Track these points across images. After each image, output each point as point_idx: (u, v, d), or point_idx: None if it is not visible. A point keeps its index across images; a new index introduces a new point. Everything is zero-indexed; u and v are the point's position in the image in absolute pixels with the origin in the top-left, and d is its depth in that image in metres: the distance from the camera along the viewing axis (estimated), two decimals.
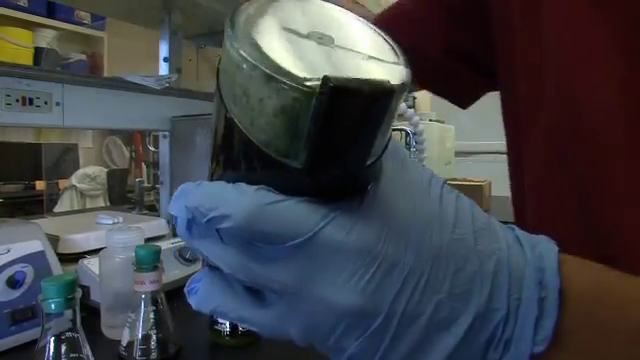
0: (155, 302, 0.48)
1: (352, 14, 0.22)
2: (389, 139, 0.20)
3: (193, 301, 0.21)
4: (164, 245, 0.71)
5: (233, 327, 0.53)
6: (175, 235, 0.80)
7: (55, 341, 0.38)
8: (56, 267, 0.57)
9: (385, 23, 0.49)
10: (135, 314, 0.47)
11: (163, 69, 1.10)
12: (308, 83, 0.16)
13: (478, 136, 2.72)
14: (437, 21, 0.46)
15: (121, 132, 3.23)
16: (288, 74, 0.17)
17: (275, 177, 0.18)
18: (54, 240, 0.63)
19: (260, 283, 0.19)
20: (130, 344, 0.47)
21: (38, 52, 2.88)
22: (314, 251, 0.18)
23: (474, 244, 0.19)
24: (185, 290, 0.22)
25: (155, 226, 0.75)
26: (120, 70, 0.83)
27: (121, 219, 0.74)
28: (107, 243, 0.56)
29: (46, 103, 0.71)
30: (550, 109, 0.33)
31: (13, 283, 0.52)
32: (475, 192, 1.61)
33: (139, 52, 2.27)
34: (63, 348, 0.38)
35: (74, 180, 2.62)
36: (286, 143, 0.17)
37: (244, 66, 0.17)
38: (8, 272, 0.52)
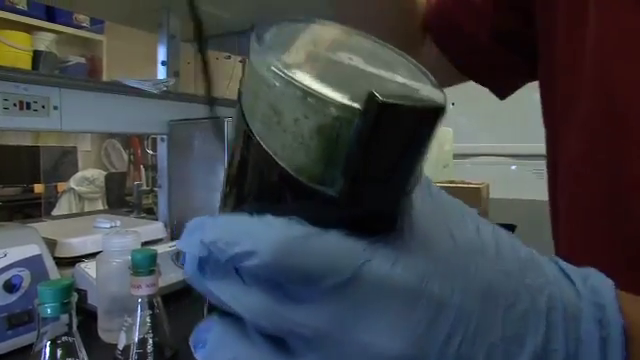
0: (151, 306, 0.48)
1: (377, 40, 0.20)
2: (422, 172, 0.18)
3: (201, 356, 0.18)
4: (161, 249, 0.71)
5: None
6: (172, 239, 0.80)
7: (51, 345, 0.38)
8: (53, 271, 0.57)
9: (436, 6, 0.49)
10: (132, 318, 0.47)
11: (161, 72, 1.11)
12: (349, 101, 0.15)
13: (476, 138, 2.73)
14: (484, 2, 0.46)
15: (119, 135, 3.23)
16: (327, 90, 0.15)
17: (305, 208, 0.17)
18: (51, 244, 0.63)
19: (287, 329, 0.16)
20: (126, 348, 0.47)
21: (37, 55, 2.88)
22: (354, 290, 0.16)
23: (521, 278, 0.18)
24: (190, 343, 0.19)
25: (153, 230, 0.76)
26: (119, 73, 0.84)
27: (119, 223, 0.74)
28: (104, 247, 0.56)
29: (43, 107, 0.71)
30: (586, 105, 0.33)
31: (10, 287, 0.52)
32: (473, 195, 1.62)
33: (138, 55, 2.27)
34: (59, 352, 0.39)
35: (72, 183, 2.61)
36: (321, 169, 0.16)
37: (276, 83, 0.16)
38: (5, 276, 0.52)
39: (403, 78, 0.18)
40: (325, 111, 0.15)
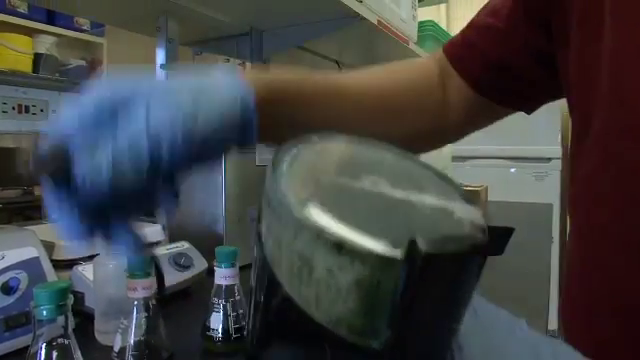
0: (147, 308, 0.48)
1: (395, 148, 0.20)
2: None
3: None
4: (160, 251, 0.72)
5: (225, 334, 0.53)
6: (171, 241, 0.81)
7: (47, 347, 0.39)
8: (50, 273, 0.57)
9: (468, 39, 0.50)
10: (127, 320, 0.48)
11: (160, 76, 1.12)
12: (390, 251, 0.14)
13: (476, 141, 2.74)
14: (512, 25, 0.46)
15: None
16: (362, 239, 0.14)
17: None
18: (49, 247, 0.63)
19: None
20: (122, 350, 0.48)
21: (37, 58, 2.88)
22: None
23: None
24: None
25: (151, 232, 0.76)
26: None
27: None
28: (99, 250, 0.56)
29: (42, 111, 0.72)
30: (601, 120, 0.33)
31: (7, 289, 0.52)
32: (472, 198, 1.62)
33: (138, 58, 2.28)
34: (54, 354, 0.39)
35: None
36: (362, 320, 0.14)
37: (304, 232, 0.14)
38: (2, 278, 0.53)
39: (434, 198, 0.17)
40: (364, 263, 0.14)
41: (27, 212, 2.62)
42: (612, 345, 0.32)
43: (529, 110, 0.51)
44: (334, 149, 0.19)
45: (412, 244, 0.13)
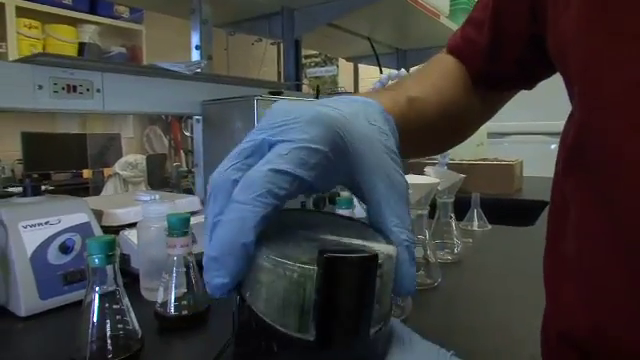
0: (186, 264, 0.53)
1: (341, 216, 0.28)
2: (389, 313, 0.24)
3: None
4: (196, 220, 0.76)
5: None
6: None
7: (99, 294, 0.44)
8: None
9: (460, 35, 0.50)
10: (168, 275, 0.53)
11: (195, 57, 1.16)
12: (306, 263, 0.20)
13: (514, 116, 2.67)
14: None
15: (158, 120, 3.36)
16: (291, 258, 0.21)
17: (292, 356, 0.22)
18: (98, 214, 0.70)
19: None
20: (165, 302, 0.53)
21: (82, 47, 3.02)
22: None
23: None
24: None
25: (189, 202, 0.81)
26: (158, 61, 0.89)
27: (158, 196, 0.80)
28: (143, 214, 0.62)
29: (88, 90, 0.77)
30: (576, 87, 0.33)
31: (65, 249, 0.59)
32: (506, 171, 1.60)
33: (176, 43, 2.35)
34: (106, 300, 0.44)
35: (117, 168, 2.76)
36: (298, 319, 0.21)
37: (262, 263, 0.22)
38: (60, 239, 0.59)
39: (360, 240, 0.24)
40: (291, 273, 0.21)
41: (76, 194, 2.79)
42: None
43: (529, 87, 0.51)
44: (295, 214, 0.28)
45: (320, 253, 0.20)
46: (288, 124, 0.25)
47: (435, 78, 0.49)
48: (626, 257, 0.29)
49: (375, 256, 0.20)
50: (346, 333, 0.21)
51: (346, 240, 0.24)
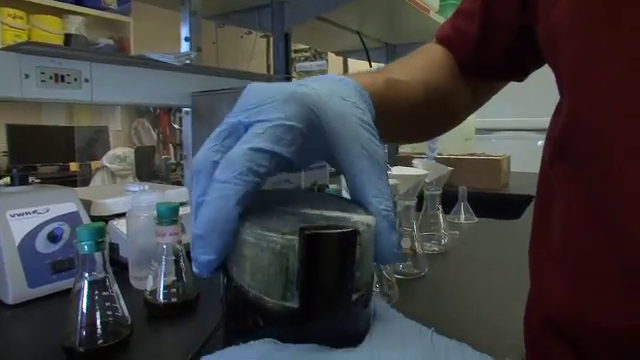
0: (176, 253, 0.53)
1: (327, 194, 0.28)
2: (370, 280, 0.25)
3: None
4: (185, 210, 0.77)
5: None
6: None
7: (88, 280, 0.44)
8: None
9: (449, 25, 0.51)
10: (158, 263, 0.53)
11: (184, 48, 1.16)
12: (289, 235, 0.21)
13: (502, 113, 2.70)
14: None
15: (147, 112, 3.33)
16: (273, 230, 0.22)
17: (279, 328, 0.22)
18: (87, 204, 0.69)
19: None
20: (154, 290, 0.53)
21: (68, 38, 2.98)
22: None
23: None
24: None
25: (177, 193, 0.81)
26: (146, 53, 0.89)
27: (147, 187, 0.80)
28: (132, 203, 0.62)
29: (76, 80, 0.77)
30: (565, 80, 0.34)
31: (53, 237, 0.59)
32: (493, 166, 1.62)
33: (164, 35, 2.34)
34: (95, 287, 0.44)
35: (105, 161, 2.73)
36: (282, 288, 0.22)
37: (246, 238, 0.23)
38: (48, 228, 0.59)
39: (340, 212, 0.25)
40: (275, 245, 0.22)
41: (64, 186, 2.76)
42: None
43: (520, 79, 0.52)
44: (276, 192, 0.29)
45: (301, 230, 0.21)
46: (263, 104, 0.26)
47: (421, 63, 0.49)
48: (609, 243, 0.30)
49: (354, 231, 0.21)
50: (328, 302, 0.22)
51: (326, 213, 0.24)
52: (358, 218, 0.24)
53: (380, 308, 0.25)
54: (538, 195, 0.40)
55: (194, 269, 0.25)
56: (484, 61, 0.49)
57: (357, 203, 0.27)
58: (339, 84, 0.30)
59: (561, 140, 0.35)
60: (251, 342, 0.22)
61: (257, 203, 0.25)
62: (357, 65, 2.21)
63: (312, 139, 0.26)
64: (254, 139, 0.24)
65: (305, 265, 0.21)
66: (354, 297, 0.22)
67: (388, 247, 0.26)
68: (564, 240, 0.35)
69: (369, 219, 0.24)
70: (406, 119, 0.45)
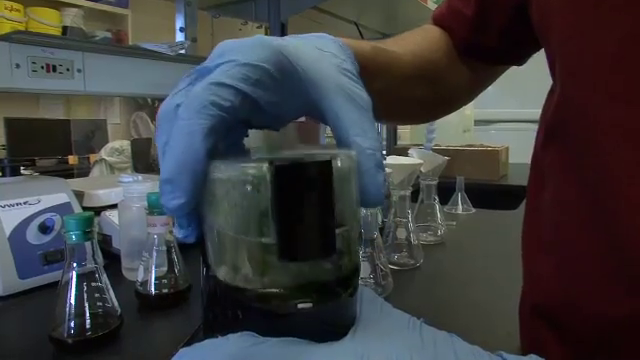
0: (167, 244, 0.53)
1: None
2: (355, 217, 0.23)
3: None
4: None
5: None
6: None
7: (77, 271, 0.43)
8: None
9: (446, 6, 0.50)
10: (149, 254, 0.52)
11: (180, 39, 1.15)
12: (262, 169, 0.20)
13: (500, 104, 2.68)
14: None
15: (145, 105, 3.32)
16: (246, 163, 0.20)
17: (257, 319, 0.21)
18: (79, 195, 0.69)
19: None
20: (145, 281, 0.53)
21: (65, 30, 2.96)
22: None
23: None
24: None
25: None
26: (140, 43, 0.88)
27: (140, 178, 0.79)
28: (124, 194, 0.61)
29: (68, 70, 0.76)
30: (558, 60, 0.33)
31: (44, 229, 0.58)
32: (491, 157, 1.61)
33: (162, 27, 2.32)
34: (84, 277, 0.44)
35: (103, 154, 2.72)
36: (257, 225, 0.20)
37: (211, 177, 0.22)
38: (40, 219, 0.58)
39: (319, 150, 0.23)
40: (244, 177, 0.20)
41: None
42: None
43: (518, 63, 0.51)
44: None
45: (271, 162, 0.20)
46: (231, 51, 0.24)
47: (415, 39, 0.48)
48: (595, 226, 0.30)
49: (329, 161, 0.20)
50: (308, 235, 0.20)
51: (305, 152, 0.23)
52: (336, 152, 0.22)
53: (367, 296, 0.24)
54: (529, 184, 0.39)
55: (166, 211, 0.23)
56: (480, 42, 0.48)
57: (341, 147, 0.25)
58: (316, 37, 0.28)
59: (553, 124, 0.35)
60: (230, 335, 0.21)
61: (231, 154, 0.24)
62: None
63: (285, 86, 0.25)
64: (218, 75, 0.23)
65: (278, 197, 0.20)
66: (337, 231, 0.21)
67: (374, 187, 0.24)
68: (554, 221, 0.34)
69: (350, 152, 0.22)
70: (396, 91, 0.44)
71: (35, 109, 3.09)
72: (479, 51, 0.49)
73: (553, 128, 0.35)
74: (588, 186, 0.30)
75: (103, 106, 3.38)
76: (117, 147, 2.73)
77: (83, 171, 2.75)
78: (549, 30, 0.34)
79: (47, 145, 2.90)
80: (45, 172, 2.61)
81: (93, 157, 2.86)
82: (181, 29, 1.15)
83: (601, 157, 0.29)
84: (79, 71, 0.78)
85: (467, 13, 0.47)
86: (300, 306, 0.22)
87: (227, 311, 0.23)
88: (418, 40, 0.48)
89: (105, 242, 0.67)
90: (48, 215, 0.59)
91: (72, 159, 2.94)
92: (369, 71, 0.32)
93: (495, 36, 0.46)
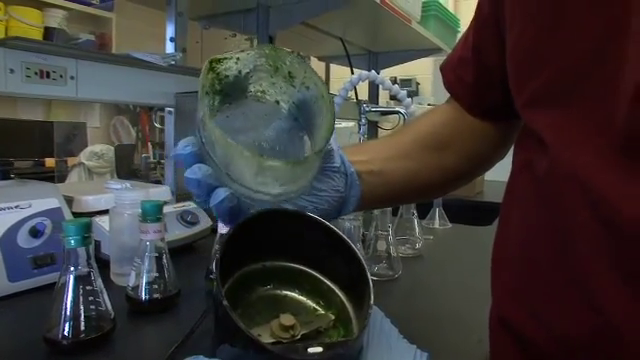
0: (158, 249, 0.55)
1: None
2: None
3: None
4: (168, 209, 0.78)
5: None
6: (178, 201, 0.87)
7: (74, 275, 0.45)
8: None
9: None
10: (141, 260, 0.54)
11: (169, 49, 1.16)
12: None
13: None
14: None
15: (126, 110, 3.29)
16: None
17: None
18: (69, 200, 0.70)
19: None
20: (136, 286, 0.54)
21: (48, 32, 2.92)
22: None
23: None
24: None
25: (160, 192, 0.82)
26: (128, 50, 0.90)
27: (129, 184, 0.81)
28: (116, 200, 0.63)
29: (61, 76, 0.77)
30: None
31: (35, 233, 0.59)
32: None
33: (146, 33, 2.32)
34: (79, 281, 0.45)
35: (82, 157, 2.69)
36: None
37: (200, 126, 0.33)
38: (30, 223, 0.59)
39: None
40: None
41: None
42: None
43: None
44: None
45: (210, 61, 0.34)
46: None
47: (420, 128, 0.55)
48: (561, 248, 0.33)
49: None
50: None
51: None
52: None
53: (379, 316, 0.27)
54: (503, 203, 0.43)
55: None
56: (486, 104, 0.51)
57: None
58: None
59: (526, 158, 0.38)
60: None
61: None
62: (339, 71, 2.24)
63: None
64: None
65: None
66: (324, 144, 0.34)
67: None
68: (520, 246, 0.38)
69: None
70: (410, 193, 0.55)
71: (13, 109, 3.03)
72: (490, 112, 0.51)
73: (524, 161, 0.39)
74: (551, 211, 0.34)
75: (83, 109, 3.34)
76: (97, 151, 2.70)
77: (62, 174, 2.70)
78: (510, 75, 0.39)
79: (25, 147, 2.84)
80: (23, 174, 2.56)
81: (71, 160, 2.82)
82: (171, 39, 1.17)
83: (563, 188, 0.32)
84: (72, 78, 0.79)
85: (468, 80, 0.50)
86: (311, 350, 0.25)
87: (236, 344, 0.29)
88: (422, 128, 0.55)
89: (95, 247, 0.68)
90: (39, 219, 0.60)
91: (49, 162, 2.89)
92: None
93: (498, 96, 0.47)
